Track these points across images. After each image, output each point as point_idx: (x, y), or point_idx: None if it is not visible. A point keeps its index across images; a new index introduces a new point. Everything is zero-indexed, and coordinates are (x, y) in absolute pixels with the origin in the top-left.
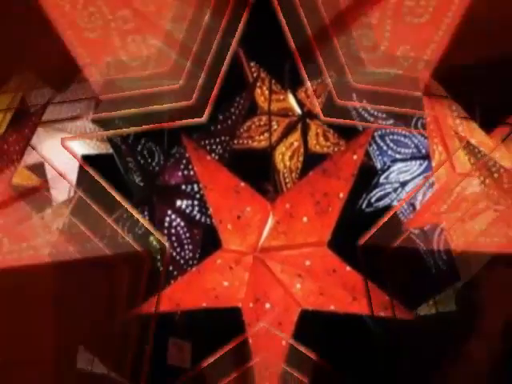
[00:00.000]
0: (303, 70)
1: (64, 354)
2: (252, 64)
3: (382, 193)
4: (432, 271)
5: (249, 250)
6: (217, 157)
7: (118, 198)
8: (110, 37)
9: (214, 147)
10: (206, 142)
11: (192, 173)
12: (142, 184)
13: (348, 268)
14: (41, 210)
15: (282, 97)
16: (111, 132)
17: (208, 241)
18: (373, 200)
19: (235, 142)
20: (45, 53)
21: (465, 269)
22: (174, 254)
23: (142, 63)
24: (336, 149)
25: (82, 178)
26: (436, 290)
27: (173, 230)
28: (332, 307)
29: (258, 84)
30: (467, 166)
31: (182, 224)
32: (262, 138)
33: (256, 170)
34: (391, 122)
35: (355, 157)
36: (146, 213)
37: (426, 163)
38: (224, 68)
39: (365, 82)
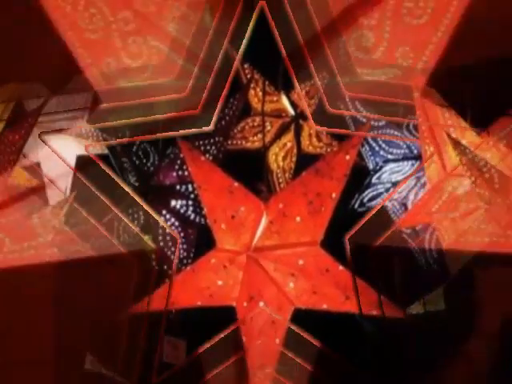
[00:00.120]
0: (294, 77)
1: (65, 353)
2: (246, 65)
3: (374, 193)
4: (423, 270)
5: (243, 250)
6: (211, 157)
7: (113, 197)
8: (111, 38)
9: (208, 148)
10: (201, 142)
11: (186, 173)
12: (136, 184)
13: (341, 267)
14: (41, 210)
15: (275, 98)
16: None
17: (202, 240)
18: (365, 200)
19: (229, 142)
20: (45, 53)
21: (455, 268)
22: (169, 253)
23: (143, 64)
24: (329, 149)
25: (77, 179)
26: (427, 289)
27: (167, 230)
28: (325, 306)
29: (252, 85)
30: (458, 167)
31: (177, 224)
32: (255, 138)
33: (250, 171)
34: (383, 122)
35: (348, 157)
36: (141, 212)
37: (417, 164)
38: (231, 73)
39: (358, 87)
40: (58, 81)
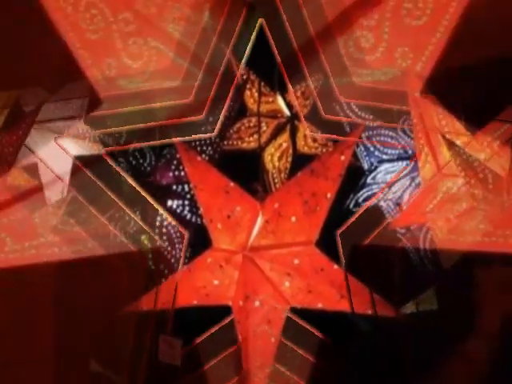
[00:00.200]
0: (288, 80)
1: (65, 353)
2: (241, 66)
3: (369, 193)
4: (417, 269)
5: (238, 249)
6: (207, 157)
7: (111, 197)
8: (112, 39)
9: (204, 148)
10: (197, 143)
11: (183, 173)
12: (133, 183)
13: (335, 266)
14: (42, 210)
15: (271, 99)
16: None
17: (198, 240)
18: (360, 200)
19: (225, 143)
20: (46, 54)
21: (452, 267)
22: (166, 253)
23: (143, 64)
24: (324, 150)
25: (76, 179)
26: (421, 289)
27: (164, 230)
28: (320, 305)
29: (248, 86)
30: (453, 167)
31: (173, 223)
32: (251, 139)
33: (245, 171)
34: (378, 123)
35: (343, 157)
36: (137, 212)
37: (412, 164)
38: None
39: (352, 88)
40: (59, 81)
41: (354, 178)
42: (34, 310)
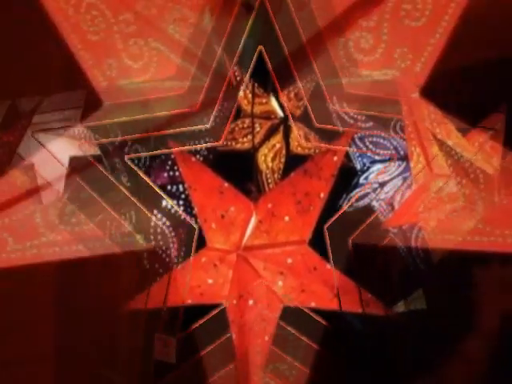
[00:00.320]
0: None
1: (65, 352)
2: (235, 68)
3: (361, 193)
4: (410, 268)
5: (232, 249)
6: (201, 158)
7: (107, 197)
8: (113, 39)
9: (198, 149)
10: (191, 142)
11: (177, 174)
12: (128, 184)
13: (328, 266)
14: (44, 210)
15: (264, 100)
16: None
17: (192, 239)
18: (353, 200)
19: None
20: (47, 55)
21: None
22: (160, 252)
23: (144, 65)
24: (317, 150)
25: (72, 180)
26: (413, 288)
27: (159, 229)
28: (313, 304)
29: (242, 87)
30: (444, 168)
31: (168, 223)
32: (245, 139)
33: (239, 171)
34: (370, 124)
35: (335, 158)
36: (132, 212)
37: (404, 164)
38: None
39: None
40: (59, 82)
41: (347, 178)
42: (34, 310)
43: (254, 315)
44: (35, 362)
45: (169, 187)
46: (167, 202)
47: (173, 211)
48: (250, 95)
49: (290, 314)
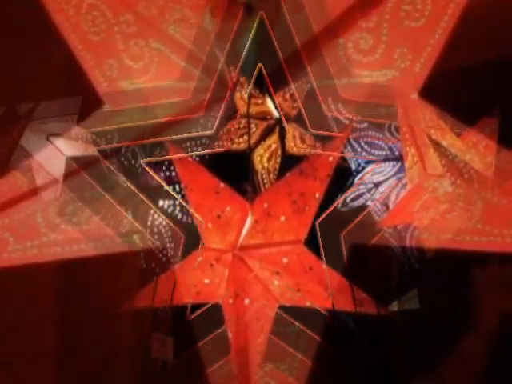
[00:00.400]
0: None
1: (66, 352)
2: (231, 68)
3: (356, 193)
4: (405, 268)
5: (228, 248)
6: (197, 158)
7: (104, 197)
8: (113, 40)
9: (194, 149)
10: (188, 144)
11: (174, 174)
12: (125, 184)
13: (324, 265)
14: (45, 209)
15: (260, 101)
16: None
17: (189, 239)
18: (348, 200)
19: (215, 144)
20: (48, 56)
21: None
22: (157, 252)
23: (145, 65)
24: (312, 150)
25: (70, 180)
26: (409, 287)
27: (155, 229)
28: (308, 303)
29: (238, 88)
30: (439, 168)
31: (164, 223)
32: (241, 140)
33: (235, 172)
34: (365, 125)
35: (331, 158)
36: (129, 212)
37: (399, 165)
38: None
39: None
40: (60, 83)
41: (342, 178)
42: (35, 309)
43: (251, 314)
44: (36, 362)
45: (165, 187)
46: (164, 202)
47: (169, 211)
48: (245, 96)
49: (290, 313)
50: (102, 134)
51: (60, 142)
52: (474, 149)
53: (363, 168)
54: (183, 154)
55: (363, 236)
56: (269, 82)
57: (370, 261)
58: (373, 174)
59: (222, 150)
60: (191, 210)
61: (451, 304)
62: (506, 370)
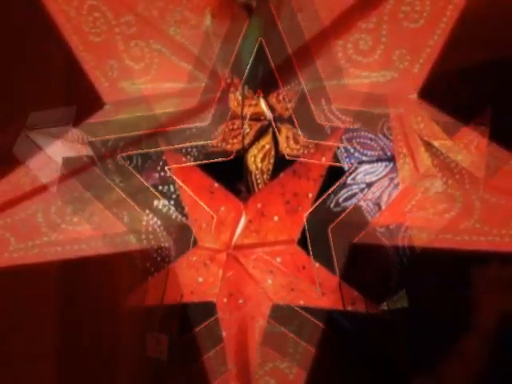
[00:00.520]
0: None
1: (66, 352)
2: (225, 70)
3: (349, 193)
4: (396, 267)
5: (222, 248)
6: (192, 159)
7: (103, 197)
8: (114, 41)
9: (189, 150)
10: (182, 145)
11: (168, 174)
12: (120, 185)
13: (317, 265)
14: (47, 209)
15: (254, 102)
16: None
17: (184, 239)
18: (340, 200)
19: (209, 144)
20: (49, 57)
21: (440, 266)
22: (152, 251)
23: (145, 66)
24: (305, 151)
25: (68, 180)
26: (400, 287)
27: (150, 229)
28: (302, 302)
29: (232, 89)
30: (431, 168)
31: (159, 223)
32: (235, 141)
33: (229, 172)
34: (358, 125)
35: (324, 159)
36: (124, 212)
37: (391, 165)
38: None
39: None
40: (61, 84)
41: (335, 178)
42: (36, 309)
43: (244, 313)
44: (37, 361)
45: (160, 187)
46: (159, 202)
47: (164, 211)
48: (239, 97)
49: (289, 312)
50: (103, 131)
51: (55, 144)
52: (466, 149)
53: (356, 168)
54: (178, 153)
55: (352, 234)
56: (266, 83)
57: (360, 259)
58: (365, 174)
59: (216, 150)
60: (186, 210)
61: (450, 304)
62: (505, 371)
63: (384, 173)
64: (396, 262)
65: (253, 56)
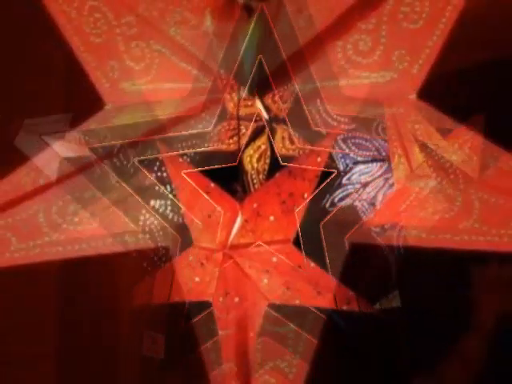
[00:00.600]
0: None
1: (67, 351)
2: (221, 71)
3: (344, 193)
4: (392, 267)
5: (219, 247)
6: (188, 159)
7: (102, 198)
8: (115, 42)
9: (186, 150)
10: (179, 145)
11: (165, 174)
12: (117, 185)
13: (312, 264)
14: (47, 209)
15: (250, 103)
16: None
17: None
18: (336, 200)
19: (206, 145)
20: (50, 57)
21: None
22: (149, 251)
23: (146, 66)
24: (301, 152)
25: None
26: (394, 286)
27: (147, 228)
28: (297, 301)
29: (228, 90)
30: (425, 168)
31: (156, 223)
32: (231, 141)
33: (225, 172)
34: (353, 126)
35: (319, 159)
36: (122, 212)
37: (385, 165)
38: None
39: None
40: (62, 85)
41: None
42: (36, 309)
43: (241, 312)
44: (37, 361)
45: (156, 187)
46: (155, 202)
47: (161, 211)
48: (235, 98)
49: (290, 311)
50: (95, 133)
51: (55, 144)
52: (460, 150)
53: (351, 168)
54: (174, 153)
55: (346, 233)
56: (263, 84)
57: (355, 259)
58: (360, 174)
59: (212, 150)
60: (183, 210)
61: (449, 303)
62: (504, 370)
63: (379, 173)
64: (391, 262)
65: (252, 58)
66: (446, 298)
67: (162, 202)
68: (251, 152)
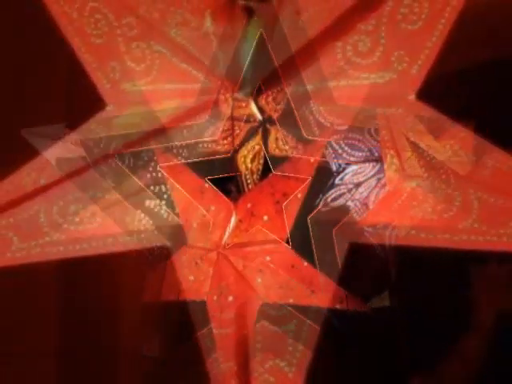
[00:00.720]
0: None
1: (67, 351)
2: (220, 72)
3: (337, 193)
4: (385, 266)
5: (213, 247)
6: (183, 160)
7: (101, 198)
8: (116, 43)
9: (180, 151)
10: (173, 146)
11: (160, 175)
12: (113, 185)
13: (305, 263)
14: (48, 209)
15: (244, 104)
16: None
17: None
18: (329, 200)
19: (200, 145)
20: (51, 58)
21: (438, 266)
22: (145, 251)
23: (146, 67)
24: (294, 152)
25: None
26: (386, 286)
27: (142, 228)
28: (291, 300)
29: (222, 91)
30: (417, 168)
31: (151, 222)
32: (225, 142)
33: (219, 172)
34: (346, 127)
35: (312, 159)
36: (116, 212)
37: (378, 165)
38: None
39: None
40: (63, 85)
41: (323, 178)
42: (36, 309)
43: (234, 311)
44: (37, 361)
45: (152, 187)
46: (150, 203)
47: (156, 211)
48: (230, 99)
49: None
50: (93, 134)
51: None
52: (451, 150)
53: (344, 169)
54: (169, 154)
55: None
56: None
57: (348, 258)
58: (353, 174)
59: (206, 151)
60: (177, 210)
61: (448, 303)
62: (504, 370)
63: (372, 173)
64: (384, 261)
65: (249, 59)
66: (445, 297)
67: (157, 202)
68: (245, 152)
